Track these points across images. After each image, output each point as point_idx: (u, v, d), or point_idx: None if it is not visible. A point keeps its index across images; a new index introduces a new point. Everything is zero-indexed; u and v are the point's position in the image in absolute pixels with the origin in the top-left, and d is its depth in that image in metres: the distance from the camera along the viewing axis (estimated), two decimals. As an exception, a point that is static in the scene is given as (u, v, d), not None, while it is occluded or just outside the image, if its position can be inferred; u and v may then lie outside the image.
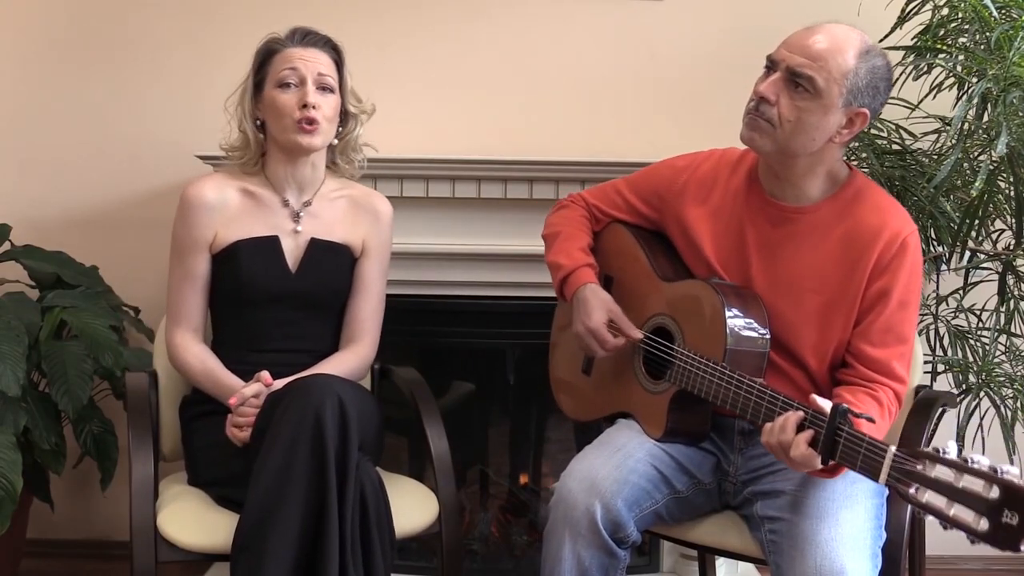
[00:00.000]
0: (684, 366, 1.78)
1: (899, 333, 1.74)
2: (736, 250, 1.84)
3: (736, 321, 1.75)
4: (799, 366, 1.79)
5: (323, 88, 2.00)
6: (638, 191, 2.00)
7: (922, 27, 2.29)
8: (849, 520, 1.64)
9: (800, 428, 1.56)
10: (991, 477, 1.30)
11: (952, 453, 1.36)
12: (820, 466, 1.55)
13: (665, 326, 1.88)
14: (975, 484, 1.31)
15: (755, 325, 1.77)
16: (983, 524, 1.29)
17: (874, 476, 1.45)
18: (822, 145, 1.73)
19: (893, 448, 1.43)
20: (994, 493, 1.29)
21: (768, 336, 1.77)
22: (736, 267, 1.84)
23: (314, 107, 1.97)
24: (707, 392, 1.73)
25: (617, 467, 1.77)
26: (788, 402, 1.60)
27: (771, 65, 1.74)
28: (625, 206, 2.02)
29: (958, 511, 1.32)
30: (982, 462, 1.32)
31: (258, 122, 2.05)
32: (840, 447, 1.50)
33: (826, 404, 1.55)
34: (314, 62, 2.00)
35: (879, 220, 1.75)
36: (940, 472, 1.36)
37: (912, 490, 1.38)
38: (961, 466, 1.34)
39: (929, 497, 1.36)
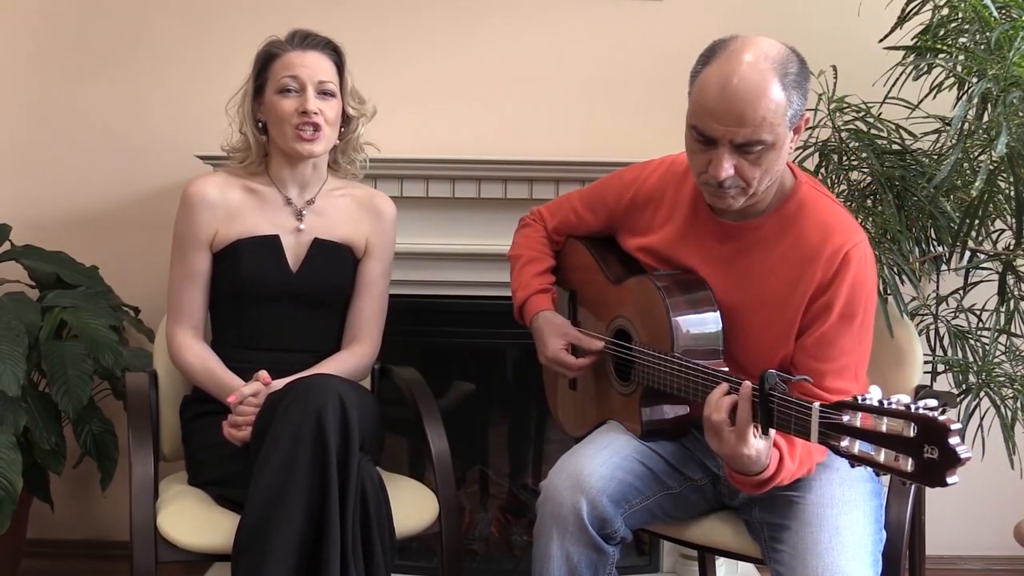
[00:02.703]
0: (642, 363, 1.79)
1: (840, 346, 1.68)
2: (680, 267, 1.82)
3: (679, 309, 1.75)
4: (754, 380, 1.78)
5: (324, 93, 2.00)
6: (590, 205, 2.02)
7: (922, 27, 2.29)
8: (849, 527, 1.64)
9: (733, 412, 1.54)
10: (908, 415, 1.28)
11: (873, 399, 1.34)
12: (752, 451, 1.52)
13: (624, 327, 1.89)
14: (896, 425, 1.29)
15: (700, 310, 1.76)
16: (910, 465, 1.27)
17: (807, 436, 1.42)
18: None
19: (818, 404, 1.41)
20: (912, 431, 1.27)
21: (718, 318, 1.75)
22: None
23: (315, 113, 1.97)
24: (665, 384, 1.73)
25: (603, 464, 1.77)
26: (734, 380, 1.58)
27: (707, 141, 1.63)
28: (579, 222, 2.04)
29: (887, 456, 1.30)
30: (901, 401, 1.30)
31: (260, 124, 2.05)
32: (775, 413, 1.48)
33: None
34: (315, 68, 2.00)
35: (821, 237, 1.69)
36: (864, 420, 1.33)
37: (844, 443, 1.36)
38: (881, 410, 1.31)
39: (859, 447, 1.34)
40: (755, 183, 1.65)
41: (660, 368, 1.73)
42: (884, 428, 1.31)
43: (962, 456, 1.23)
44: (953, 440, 1.23)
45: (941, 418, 1.25)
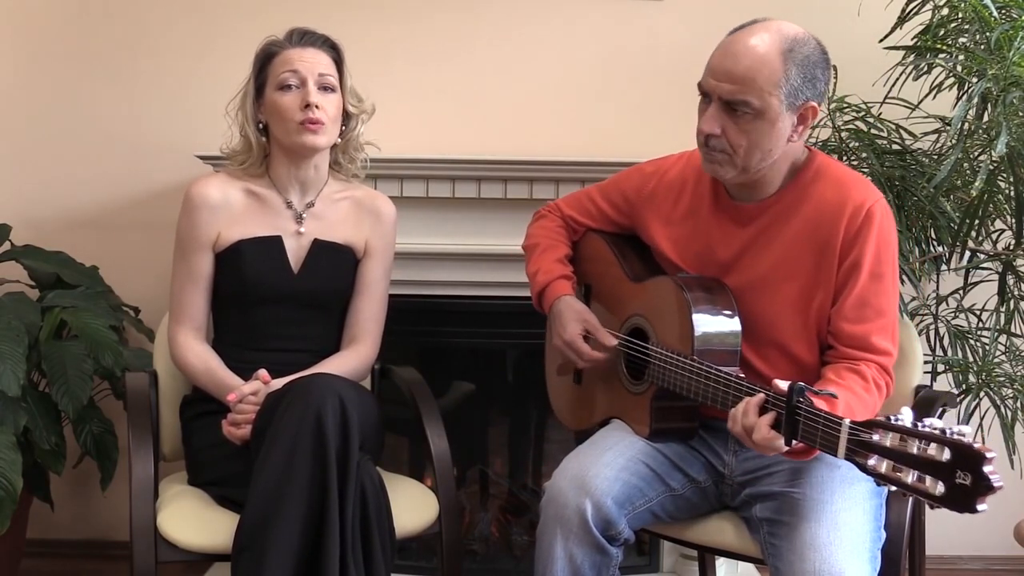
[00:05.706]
0: (658, 363, 1.78)
1: (876, 306, 1.71)
2: (705, 257, 1.84)
3: (701, 313, 1.75)
4: (789, 358, 1.78)
5: (324, 88, 2.00)
6: (609, 198, 2.01)
7: (922, 27, 2.29)
8: (848, 523, 1.63)
9: (762, 411, 1.55)
10: (941, 439, 1.28)
11: (905, 420, 1.34)
12: (785, 447, 1.53)
13: (640, 326, 1.89)
14: (928, 448, 1.30)
15: (722, 315, 1.76)
16: (939, 488, 1.27)
17: (833, 451, 1.43)
18: (782, 150, 1.71)
19: (848, 421, 1.41)
20: (946, 455, 1.27)
21: (738, 324, 1.76)
22: (708, 273, 1.84)
23: (317, 107, 1.97)
24: (681, 387, 1.73)
25: (607, 465, 1.77)
26: (756, 389, 1.59)
27: (705, 98, 1.70)
28: (598, 214, 2.03)
29: (916, 478, 1.31)
30: (934, 425, 1.31)
31: (260, 125, 2.05)
32: (800, 426, 1.49)
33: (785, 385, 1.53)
34: (314, 62, 2.00)
35: (841, 195, 1.72)
36: (894, 440, 1.34)
37: (871, 461, 1.36)
38: (913, 432, 1.32)
39: (887, 467, 1.34)
40: (740, 151, 1.67)
41: (679, 371, 1.73)
42: (915, 450, 1.31)
43: (995, 484, 1.23)
44: (988, 468, 1.24)
45: (977, 445, 1.25)
